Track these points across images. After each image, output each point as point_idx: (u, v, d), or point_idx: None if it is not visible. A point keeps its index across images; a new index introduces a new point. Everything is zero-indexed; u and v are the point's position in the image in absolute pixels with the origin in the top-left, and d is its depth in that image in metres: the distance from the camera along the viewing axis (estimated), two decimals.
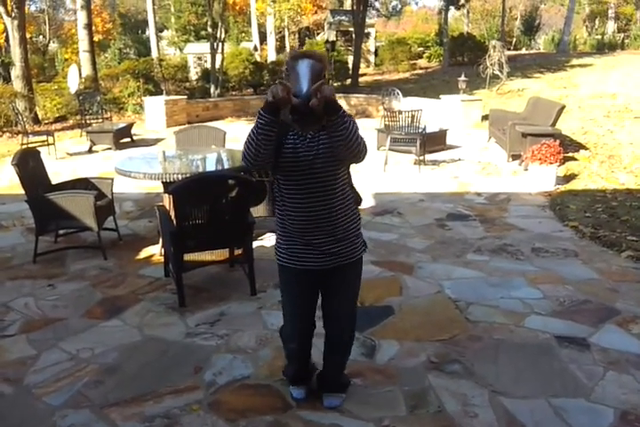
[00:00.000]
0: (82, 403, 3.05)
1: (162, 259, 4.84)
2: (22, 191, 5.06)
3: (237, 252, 4.45)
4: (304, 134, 2.56)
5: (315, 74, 2.40)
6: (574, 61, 20.38)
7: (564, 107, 8.81)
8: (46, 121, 14.44)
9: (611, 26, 35.69)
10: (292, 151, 2.54)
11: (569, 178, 7.71)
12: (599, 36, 32.88)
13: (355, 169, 2.60)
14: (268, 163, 2.50)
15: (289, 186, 2.60)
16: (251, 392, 3.14)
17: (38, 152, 5.52)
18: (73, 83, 14.90)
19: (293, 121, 2.50)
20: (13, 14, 13.60)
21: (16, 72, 14.12)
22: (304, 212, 2.60)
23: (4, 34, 25.06)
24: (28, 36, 16.21)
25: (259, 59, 22.41)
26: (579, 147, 9.43)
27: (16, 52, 13.93)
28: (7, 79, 19.08)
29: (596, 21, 39.95)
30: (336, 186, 2.61)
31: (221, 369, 3.35)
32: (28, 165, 5.08)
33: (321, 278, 2.76)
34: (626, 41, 30.44)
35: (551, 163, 7.19)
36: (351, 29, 23.12)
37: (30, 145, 9.64)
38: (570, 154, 8.78)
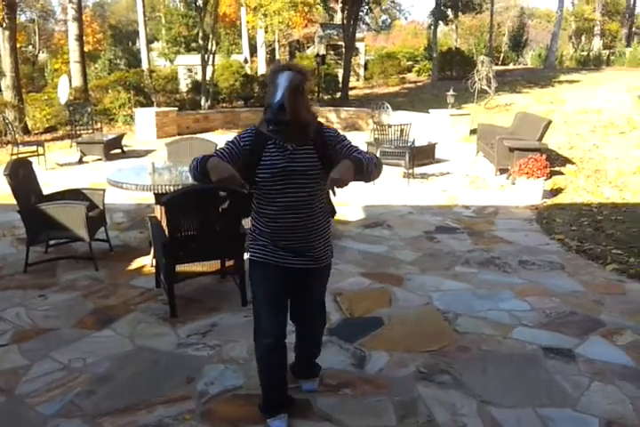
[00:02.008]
0: (74, 412, 3.06)
1: (153, 270, 4.87)
2: (12, 201, 5.07)
3: (229, 263, 4.48)
4: (284, 146, 2.58)
5: (293, 85, 2.44)
6: (561, 77, 20.70)
7: (550, 122, 8.97)
8: (36, 131, 14.43)
9: (597, 42, 36.28)
10: (270, 162, 2.58)
11: (555, 192, 7.83)
12: (585, 53, 33.40)
13: None
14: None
15: (266, 195, 2.65)
16: (242, 402, 3.16)
17: (30, 162, 5.54)
18: (63, 93, 14.88)
19: (269, 132, 2.50)
20: (4, 24, 13.59)
21: (6, 82, 14.10)
22: (280, 220, 2.66)
23: None
24: (17, 45, 16.16)
25: (249, 71, 22.53)
26: (565, 161, 9.59)
27: (7, 62, 13.92)
28: None
29: (582, 38, 40.61)
30: (314, 198, 2.67)
31: (213, 379, 3.37)
32: (20, 175, 5.09)
33: (291, 277, 2.80)
34: (611, 57, 30.96)
35: (538, 177, 7.30)
36: (341, 43, 23.32)
37: (20, 155, 9.60)
38: (556, 168, 8.92)
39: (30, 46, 40.14)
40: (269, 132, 2.49)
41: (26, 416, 3.05)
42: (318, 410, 3.07)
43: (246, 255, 4.59)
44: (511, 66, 32.11)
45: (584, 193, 7.73)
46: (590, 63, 29.51)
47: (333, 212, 2.94)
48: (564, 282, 4.86)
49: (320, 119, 2.76)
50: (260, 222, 2.74)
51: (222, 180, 2.39)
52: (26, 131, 13.96)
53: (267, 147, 2.59)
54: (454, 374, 3.43)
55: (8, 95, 13.97)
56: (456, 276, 5.00)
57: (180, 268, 4.25)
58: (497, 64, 27.09)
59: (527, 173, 7.33)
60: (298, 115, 2.46)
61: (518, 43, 36.70)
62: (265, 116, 2.42)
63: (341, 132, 2.80)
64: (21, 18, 35.41)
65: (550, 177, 7.97)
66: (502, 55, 35.21)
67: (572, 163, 9.47)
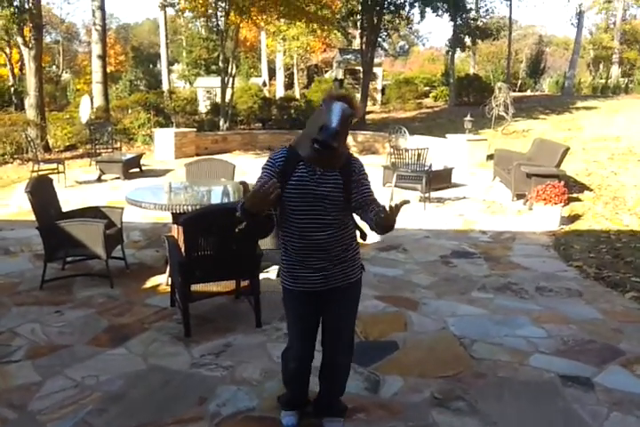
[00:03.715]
0: None
1: (168, 288, 4.87)
2: (30, 218, 5.13)
3: (244, 283, 4.48)
4: (314, 168, 2.64)
5: (345, 115, 2.55)
6: (579, 104, 20.70)
7: (568, 148, 8.94)
8: (57, 149, 14.64)
9: (615, 70, 36.28)
10: (298, 183, 2.63)
11: (573, 218, 7.77)
12: (603, 80, 33.42)
13: None
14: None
15: (291, 213, 2.69)
16: (254, 424, 3.13)
17: (51, 180, 5.61)
18: (84, 112, 15.17)
19: (313, 150, 2.55)
20: (31, 45, 13.91)
21: (30, 101, 14.36)
22: (303, 238, 2.70)
23: (19, 63, 25.62)
24: (42, 66, 16.46)
25: (267, 94, 22.82)
26: (583, 188, 9.53)
27: (31, 82, 14.18)
28: (20, 107, 19.40)
29: (601, 66, 40.66)
30: (336, 221, 2.71)
31: (226, 400, 3.35)
32: (41, 192, 5.16)
33: (321, 299, 2.85)
34: (630, 85, 30.93)
35: (556, 203, 7.26)
36: (359, 68, 23.58)
37: (41, 172, 9.76)
38: (574, 195, 8.87)
39: (54, 66, 40.99)
40: (313, 150, 2.54)
41: None
42: None
43: (262, 276, 4.61)
44: (529, 92, 32.19)
45: (602, 220, 7.66)
46: (608, 91, 29.50)
47: (364, 235, 2.88)
48: (582, 309, 4.79)
49: None
50: (286, 241, 2.79)
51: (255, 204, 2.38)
52: (47, 148, 14.15)
53: (297, 167, 2.65)
54: (470, 400, 3.38)
55: (31, 114, 14.21)
56: (472, 301, 4.95)
57: (195, 287, 4.25)
58: (514, 90, 27.19)
59: (545, 200, 7.29)
60: (340, 145, 2.57)
61: (536, 70, 36.80)
62: (315, 136, 2.49)
63: (358, 157, 2.84)
64: (46, 39, 36.17)
65: (568, 203, 7.91)
66: (520, 82, 35.32)
67: (590, 190, 9.41)
